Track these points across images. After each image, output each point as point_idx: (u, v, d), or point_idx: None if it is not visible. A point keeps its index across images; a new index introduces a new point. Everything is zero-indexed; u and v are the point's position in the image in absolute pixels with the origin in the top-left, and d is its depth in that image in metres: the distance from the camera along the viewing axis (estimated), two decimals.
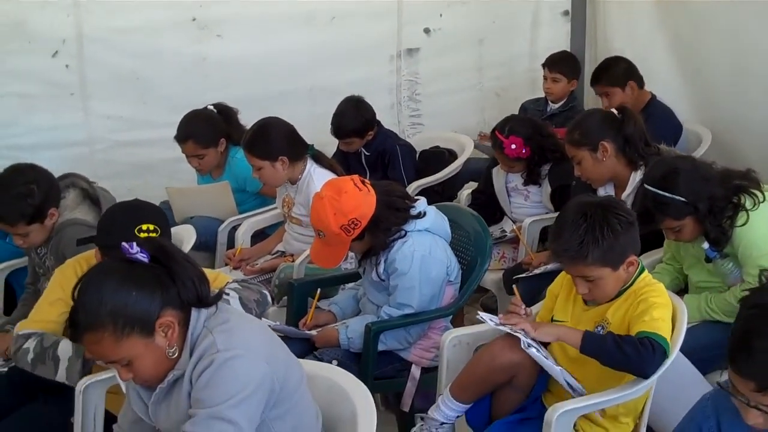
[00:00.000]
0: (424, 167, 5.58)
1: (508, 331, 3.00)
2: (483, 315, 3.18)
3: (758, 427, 2.19)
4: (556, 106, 5.97)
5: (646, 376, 2.92)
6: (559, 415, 2.86)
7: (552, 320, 3.23)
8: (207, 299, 2.54)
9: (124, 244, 2.47)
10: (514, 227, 4.67)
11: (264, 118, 4.53)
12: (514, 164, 4.78)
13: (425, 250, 3.63)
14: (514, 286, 3.36)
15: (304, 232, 4.55)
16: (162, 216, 3.34)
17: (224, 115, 5.09)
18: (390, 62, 6.35)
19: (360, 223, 3.52)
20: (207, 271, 3.23)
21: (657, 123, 5.01)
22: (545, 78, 5.99)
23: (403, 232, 3.63)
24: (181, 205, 4.93)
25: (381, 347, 3.67)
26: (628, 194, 4.10)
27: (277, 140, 4.42)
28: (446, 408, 3.15)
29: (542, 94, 6.12)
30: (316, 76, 5.95)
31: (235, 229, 4.90)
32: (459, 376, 3.18)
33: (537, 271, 4.25)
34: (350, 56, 6.10)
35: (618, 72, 5.37)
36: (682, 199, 3.45)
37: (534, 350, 2.95)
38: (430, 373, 3.78)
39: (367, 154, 5.43)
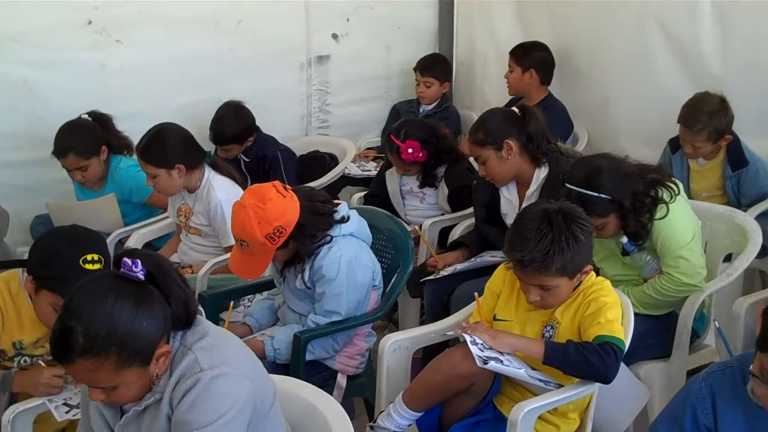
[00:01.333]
0: (305, 172, 5.49)
1: (468, 341, 2.95)
2: None
3: None
4: (429, 107, 6.02)
5: (607, 382, 2.96)
6: (524, 414, 2.85)
7: (495, 319, 3.22)
8: (194, 319, 2.41)
9: (126, 260, 2.28)
10: (415, 228, 4.64)
11: (160, 123, 4.34)
12: (410, 168, 4.77)
13: (351, 255, 3.55)
14: (476, 294, 3.30)
15: (203, 242, 4.41)
16: (104, 243, 3.17)
17: (100, 122, 4.85)
18: (300, 70, 6.09)
19: (285, 231, 3.42)
20: None
21: (552, 119, 5.12)
22: (417, 82, 6.02)
23: (328, 238, 3.54)
24: (65, 220, 4.62)
25: (308, 357, 3.57)
26: (532, 192, 4.15)
27: (173, 147, 4.25)
28: (398, 417, 3.09)
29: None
30: (224, 85, 5.56)
31: (122, 242, 4.68)
32: (414, 385, 3.13)
33: (445, 273, 4.22)
34: (259, 64, 5.81)
35: (535, 56, 5.51)
36: (608, 197, 3.49)
37: (493, 363, 2.91)
38: (354, 380, 3.72)
39: (246, 160, 5.30)
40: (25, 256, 3.16)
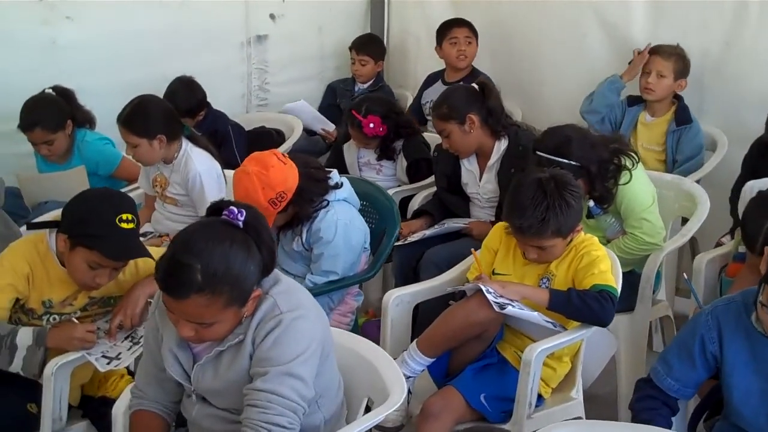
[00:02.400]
0: (253, 148, 5.63)
1: (483, 290, 3.23)
2: None
3: None
4: (365, 86, 6.27)
5: (606, 325, 3.32)
6: (536, 354, 3.16)
7: (494, 273, 3.51)
8: (274, 267, 2.64)
9: (232, 207, 2.51)
10: None
11: (141, 95, 4.47)
12: (370, 141, 5.03)
13: (347, 218, 3.81)
14: (472, 250, 3.58)
15: (179, 211, 4.55)
16: (134, 205, 3.33)
17: (64, 97, 4.92)
18: (240, 49, 6.19)
19: (286, 195, 3.64)
20: (155, 249, 3.30)
21: None
22: (353, 60, 6.27)
23: (325, 202, 3.79)
24: (34, 192, 4.77)
25: None
26: (493, 163, 4.47)
27: (156, 118, 4.38)
28: (413, 363, 3.35)
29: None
30: (169, 64, 5.61)
31: None
32: (429, 332, 3.38)
33: (414, 238, 4.48)
34: (202, 42, 5.89)
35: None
36: (577, 163, 3.80)
37: (510, 308, 3.20)
38: None
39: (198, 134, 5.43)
40: None
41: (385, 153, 5.07)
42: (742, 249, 3.79)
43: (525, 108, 5.87)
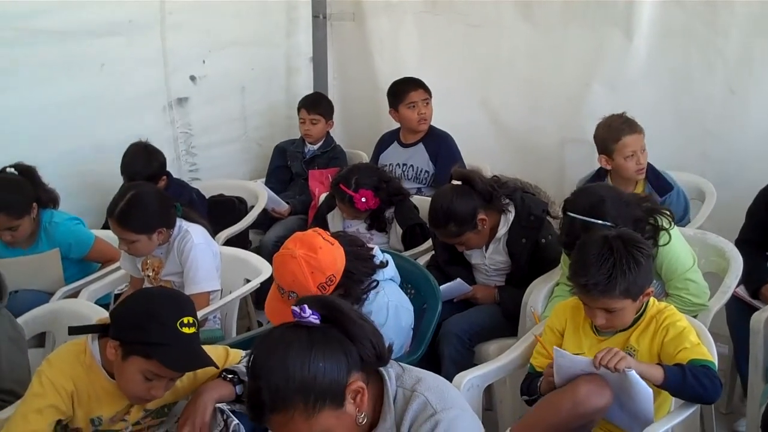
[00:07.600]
0: (214, 217, 5.30)
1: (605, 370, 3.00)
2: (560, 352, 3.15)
3: None
4: (316, 147, 6.00)
5: (712, 403, 3.17)
6: None
7: None
8: (386, 358, 2.42)
9: (294, 308, 2.30)
10: None
11: (131, 185, 4.15)
12: (361, 214, 4.78)
13: (396, 299, 3.57)
14: (535, 335, 3.38)
15: None
16: (193, 304, 2.98)
17: (27, 176, 4.48)
18: (164, 113, 5.82)
19: (335, 279, 3.37)
20: (210, 348, 2.99)
21: (449, 147, 5.51)
22: (303, 120, 5.99)
23: (375, 283, 3.53)
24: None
25: None
26: (501, 236, 4.28)
27: (154, 212, 4.02)
28: None
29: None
30: (95, 131, 5.29)
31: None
32: (529, 420, 3.14)
33: None
34: (125, 107, 5.51)
35: None
36: (612, 224, 3.59)
37: (633, 372, 2.96)
38: None
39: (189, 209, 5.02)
40: None
41: (377, 224, 4.82)
42: None
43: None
